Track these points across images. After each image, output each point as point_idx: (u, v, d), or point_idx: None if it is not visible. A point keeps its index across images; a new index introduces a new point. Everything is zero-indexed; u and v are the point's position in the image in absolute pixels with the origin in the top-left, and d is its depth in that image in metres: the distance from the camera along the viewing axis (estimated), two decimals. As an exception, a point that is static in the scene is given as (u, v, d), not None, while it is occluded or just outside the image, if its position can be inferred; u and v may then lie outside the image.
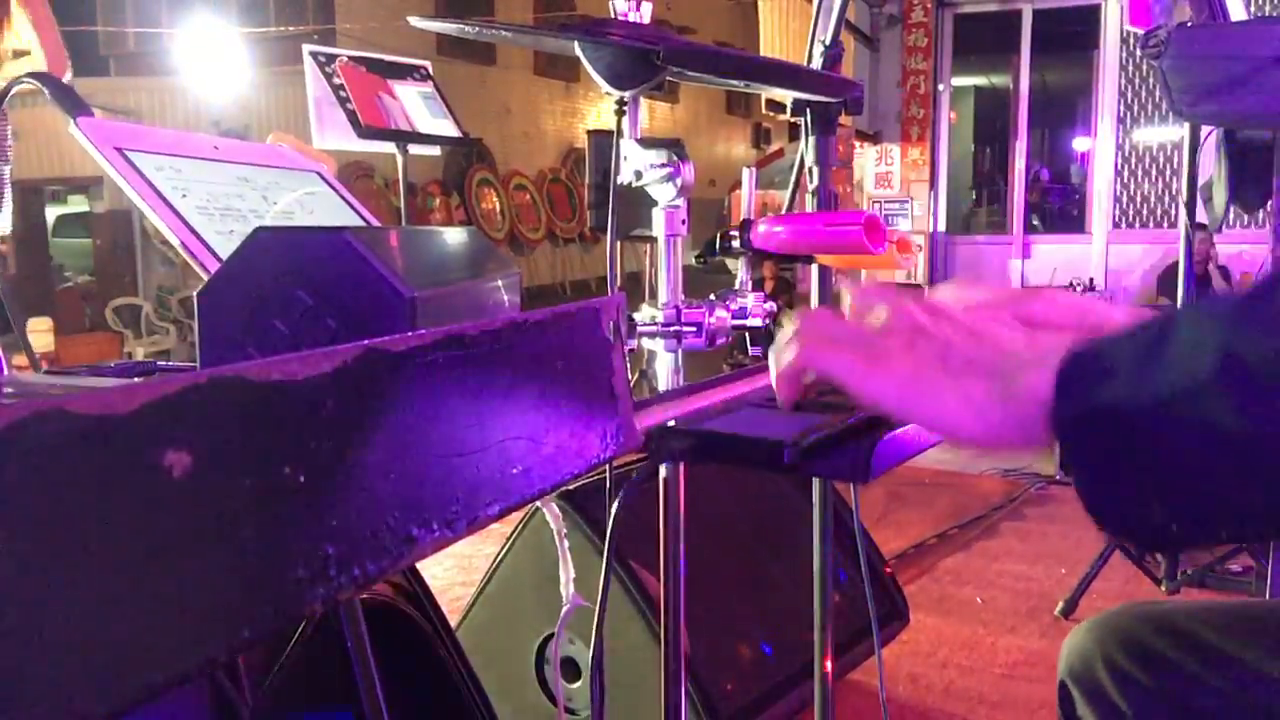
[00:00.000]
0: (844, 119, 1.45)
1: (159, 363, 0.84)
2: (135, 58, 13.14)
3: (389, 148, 2.93)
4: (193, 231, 0.78)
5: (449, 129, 3.08)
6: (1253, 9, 6.52)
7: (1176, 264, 2.78)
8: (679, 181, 0.95)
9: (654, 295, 1.00)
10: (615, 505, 0.80)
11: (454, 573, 3.01)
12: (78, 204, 14.17)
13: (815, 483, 1.41)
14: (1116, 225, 7.62)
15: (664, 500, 1.01)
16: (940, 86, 7.78)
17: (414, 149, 3.01)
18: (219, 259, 0.77)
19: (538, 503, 1.43)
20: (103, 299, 10.68)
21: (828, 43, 1.38)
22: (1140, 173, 7.62)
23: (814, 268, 1.32)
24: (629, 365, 0.54)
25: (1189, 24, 2.13)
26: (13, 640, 0.25)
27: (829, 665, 1.43)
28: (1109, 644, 0.86)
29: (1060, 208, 11.85)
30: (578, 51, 0.94)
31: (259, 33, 11.87)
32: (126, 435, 0.28)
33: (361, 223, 0.97)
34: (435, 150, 3.26)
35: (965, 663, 2.50)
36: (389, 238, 0.58)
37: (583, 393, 0.48)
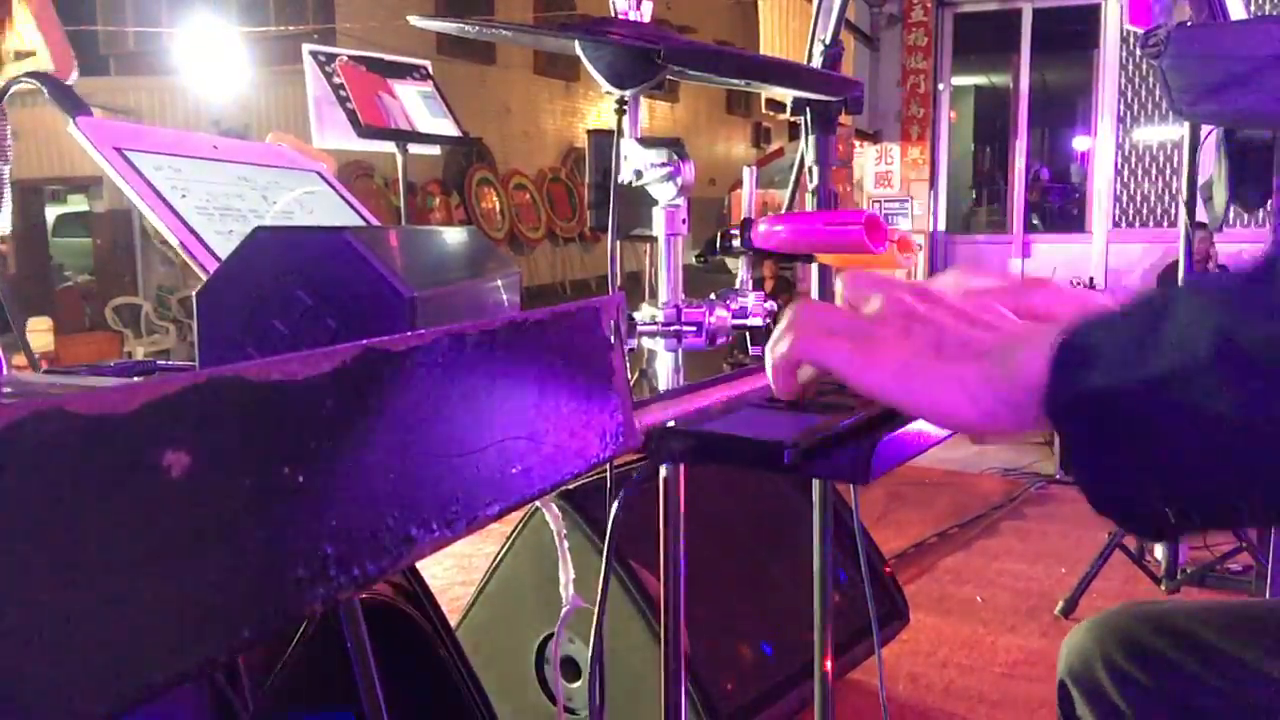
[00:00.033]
0: (844, 118, 1.45)
1: (159, 362, 0.84)
2: (135, 57, 13.14)
3: (389, 147, 2.93)
4: (192, 231, 0.78)
5: (449, 128, 3.08)
6: (1253, 9, 6.52)
7: (1176, 263, 2.78)
8: (679, 181, 0.95)
9: (654, 295, 1.00)
10: (615, 505, 0.80)
11: (454, 573, 3.02)
12: (78, 204, 14.17)
13: (815, 483, 1.41)
14: (1116, 224, 7.62)
15: (664, 500, 1.01)
16: (940, 86, 7.78)
17: (414, 148, 3.01)
18: (218, 259, 0.77)
19: (537, 503, 1.43)
20: (103, 298, 10.68)
21: (828, 42, 1.38)
22: (1140, 172, 7.61)
23: (814, 267, 1.32)
24: (629, 365, 0.54)
25: (1189, 24, 2.13)
26: (13, 640, 0.25)
27: (829, 665, 1.43)
28: (1108, 644, 0.86)
29: (1060, 207, 11.85)
30: (578, 51, 0.93)
31: (259, 32, 11.87)
32: (126, 435, 0.28)
33: (361, 222, 0.97)
34: (435, 150, 3.26)
35: (965, 662, 2.50)
36: (389, 237, 0.58)
37: (583, 392, 0.48)
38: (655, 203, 0.97)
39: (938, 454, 4.30)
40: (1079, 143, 12.16)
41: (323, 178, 1.00)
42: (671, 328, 0.98)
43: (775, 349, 0.54)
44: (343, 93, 2.75)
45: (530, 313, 0.45)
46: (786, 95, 1.22)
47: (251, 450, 0.32)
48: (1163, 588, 2.81)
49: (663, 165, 0.94)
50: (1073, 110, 12.34)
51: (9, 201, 2.74)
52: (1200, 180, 2.68)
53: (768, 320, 1.04)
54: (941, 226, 7.89)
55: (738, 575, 2.05)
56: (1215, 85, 1.96)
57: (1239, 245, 6.49)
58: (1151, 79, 7.22)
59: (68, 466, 0.26)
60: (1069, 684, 0.88)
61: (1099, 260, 7.56)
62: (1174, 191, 7.37)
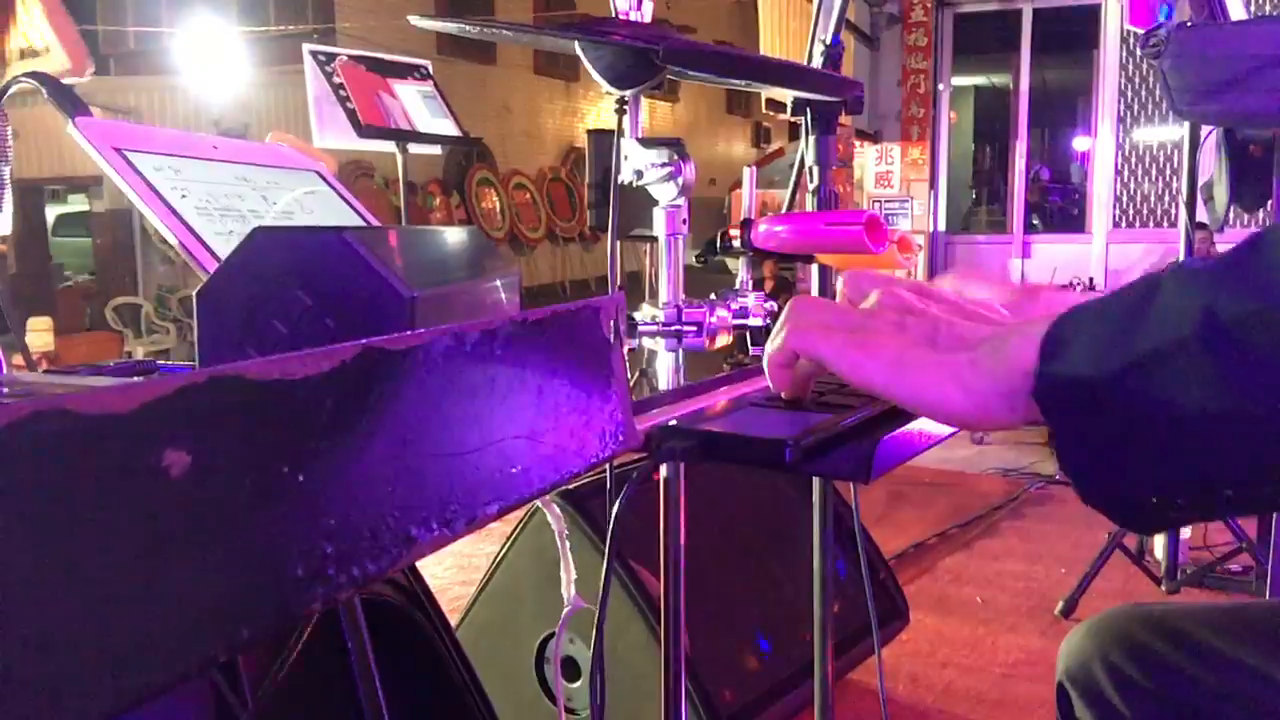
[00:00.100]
0: (844, 118, 1.45)
1: (159, 362, 0.84)
2: (135, 57, 13.14)
3: (389, 147, 2.93)
4: (192, 231, 0.78)
5: (449, 128, 3.08)
6: (1253, 9, 6.52)
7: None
8: (679, 181, 0.95)
9: (654, 295, 1.00)
10: (616, 505, 0.80)
11: (454, 573, 3.02)
12: (78, 204, 14.17)
13: (815, 483, 1.41)
14: (1117, 225, 7.62)
15: (664, 500, 1.01)
16: (940, 86, 7.78)
17: (414, 148, 3.01)
18: (218, 259, 0.77)
19: (539, 502, 1.42)
20: (103, 298, 10.68)
21: (828, 42, 1.38)
22: (1140, 172, 7.62)
23: (814, 267, 1.32)
24: (629, 365, 0.54)
25: (1189, 24, 2.13)
26: (12, 640, 0.25)
27: (829, 665, 1.43)
28: (1107, 645, 0.86)
29: (1060, 207, 11.86)
30: (578, 51, 0.93)
31: (259, 32, 11.87)
32: (126, 435, 0.28)
33: (361, 222, 0.97)
34: (435, 149, 3.26)
35: (965, 663, 2.50)
36: (389, 237, 0.58)
37: (582, 392, 0.48)
38: (655, 203, 0.97)
39: (938, 454, 4.30)
40: (1079, 143, 12.17)
41: (323, 178, 1.00)
42: (672, 328, 0.98)
43: (771, 343, 0.54)
44: (343, 92, 2.75)
45: (530, 313, 0.45)
46: (787, 95, 1.22)
47: (251, 450, 0.32)
48: (1163, 588, 2.81)
49: (663, 165, 0.94)
50: (1073, 110, 12.35)
51: (9, 202, 2.74)
52: (1200, 181, 2.68)
53: (768, 320, 1.04)
54: (941, 227, 7.89)
55: (738, 575, 2.05)
56: (1215, 86, 1.96)
57: (1239, 245, 6.48)
58: (1152, 79, 7.23)
59: (68, 466, 0.26)
60: (1067, 686, 0.88)
61: (1099, 261, 7.56)
62: (1174, 192, 7.37)
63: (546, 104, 15.83)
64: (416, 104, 2.99)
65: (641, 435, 0.53)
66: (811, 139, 1.26)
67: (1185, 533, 2.89)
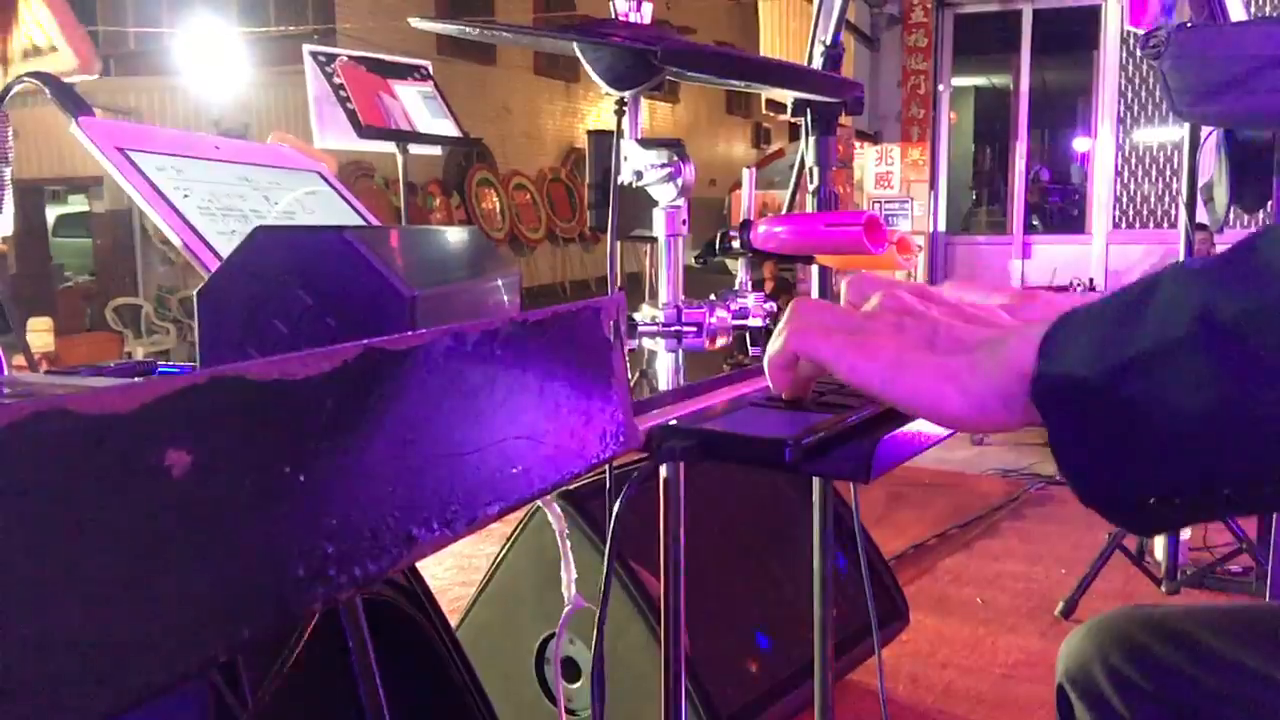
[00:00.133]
0: (844, 119, 1.45)
1: (159, 362, 0.84)
2: (135, 57, 13.14)
3: (389, 147, 2.93)
4: (195, 231, 0.78)
5: (449, 129, 3.08)
6: (1253, 9, 6.52)
7: (1177, 264, 2.77)
8: (679, 181, 0.95)
9: (654, 295, 1.00)
10: (617, 505, 0.80)
11: (454, 573, 3.02)
12: (78, 204, 14.16)
13: (815, 483, 1.41)
14: (1117, 225, 7.62)
15: (664, 500, 1.01)
16: (940, 86, 7.78)
17: (414, 149, 3.01)
18: (220, 259, 0.77)
19: (539, 503, 1.43)
20: (103, 299, 10.67)
21: (828, 42, 1.38)
22: (1140, 173, 7.62)
23: (814, 268, 1.32)
24: (629, 365, 0.54)
25: (1189, 25, 2.13)
26: (12, 640, 0.25)
27: (829, 666, 1.43)
28: (1107, 647, 0.85)
29: (1060, 208, 11.87)
30: (577, 52, 0.93)
31: (259, 33, 11.87)
32: (127, 435, 0.28)
33: (362, 222, 0.97)
34: (435, 150, 3.26)
35: (965, 663, 2.50)
36: (389, 237, 0.58)
37: (583, 392, 0.48)
38: (655, 203, 0.97)
39: (938, 454, 4.30)
40: (1079, 144, 12.17)
41: (323, 178, 1.00)
42: (671, 328, 0.98)
43: (772, 344, 0.54)
44: (343, 93, 2.75)
45: (531, 313, 0.45)
46: (787, 96, 1.22)
47: (252, 450, 0.32)
48: (1163, 589, 2.80)
49: (663, 166, 0.94)
50: (1073, 111, 12.35)
51: (9, 202, 2.74)
52: (1200, 181, 2.68)
53: (768, 321, 1.04)
54: (941, 227, 7.89)
55: (738, 575, 2.05)
56: (1215, 87, 1.96)
57: (1239, 246, 6.48)
58: (1152, 80, 7.23)
59: (69, 466, 0.26)
60: (1067, 687, 0.88)
61: (1099, 261, 7.56)
62: (1174, 193, 7.37)
63: (546, 105, 15.84)
64: (417, 104, 2.99)
65: (642, 435, 0.53)
66: (811, 140, 1.26)
67: (1185, 534, 2.89)
